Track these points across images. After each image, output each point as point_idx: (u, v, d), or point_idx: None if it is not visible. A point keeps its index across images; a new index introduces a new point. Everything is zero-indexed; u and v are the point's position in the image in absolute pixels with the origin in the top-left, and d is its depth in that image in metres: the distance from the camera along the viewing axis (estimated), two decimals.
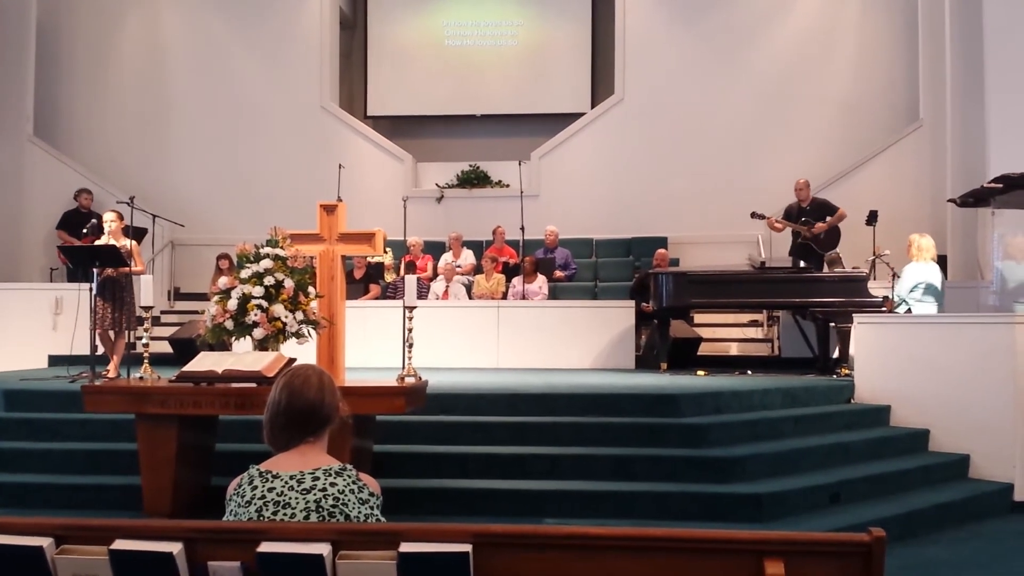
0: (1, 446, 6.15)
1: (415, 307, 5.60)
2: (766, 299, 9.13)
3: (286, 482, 2.32)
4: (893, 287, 8.22)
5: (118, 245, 7.74)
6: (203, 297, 10.86)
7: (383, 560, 2.04)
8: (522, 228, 10.91)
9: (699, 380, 7.92)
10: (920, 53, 11.94)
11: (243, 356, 5.22)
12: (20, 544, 2.09)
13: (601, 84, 14.09)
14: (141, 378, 5.48)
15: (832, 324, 8.52)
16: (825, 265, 9.50)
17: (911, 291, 8.04)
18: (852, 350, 7.90)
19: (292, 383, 2.45)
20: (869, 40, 12.87)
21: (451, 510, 5.44)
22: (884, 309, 8.14)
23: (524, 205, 11.31)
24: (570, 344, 9.61)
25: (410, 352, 5.50)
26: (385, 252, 10.94)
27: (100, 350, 7.81)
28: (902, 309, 8.02)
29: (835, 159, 12.45)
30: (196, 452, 5.40)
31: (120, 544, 2.08)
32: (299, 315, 5.41)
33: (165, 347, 9.67)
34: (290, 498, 2.30)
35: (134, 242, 8.06)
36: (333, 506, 2.30)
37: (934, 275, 8.13)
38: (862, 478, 6.06)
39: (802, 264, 9.68)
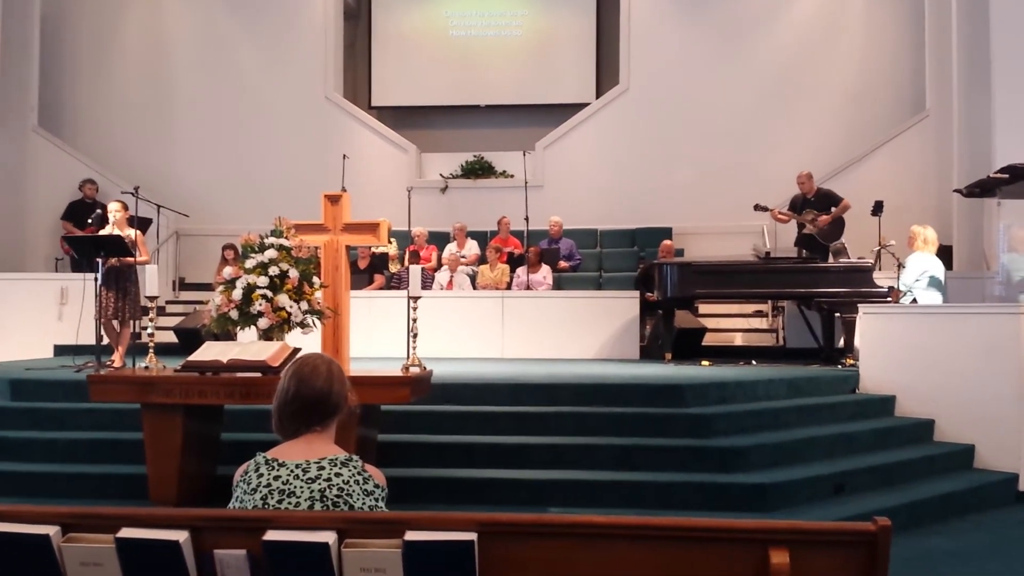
0: (7, 435, 6.18)
1: (419, 297, 5.60)
2: (771, 289, 9.12)
3: (291, 471, 2.33)
4: (899, 277, 8.19)
5: (123, 235, 7.74)
6: (208, 287, 10.90)
7: (388, 548, 2.04)
8: (526, 218, 10.91)
9: (703, 370, 7.91)
10: (926, 42, 11.88)
11: (248, 346, 5.23)
12: (27, 532, 2.10)
13: (606, 74, 14.05)
14: (146, 367, 5.49)
15: (837, 314, 8.50)
16: (830, 255, 9.47)
17: (916, 280, 8.02)
18: (857, 340, 7.89)
19: (301, 372, 2.45)
20: (875, 29, 12.82)
21: (455, 499, 5.45)
22: (890, 299, 8.12)
23: (528, 195, 11.30)
24: (574, 334, 9.61)
25: (414, 342, 5.50)
26: (389, 242, 10.93)
27: (105, 340, 7.82)
28: (907, 299, 8.01)
29: (840, 149, 12.42)
30: (201, 441, 5.42)
31: (126, 532, 2.08)
32: (304, 305, 5.43)
33: (170, 337, 9.69)
34: (295, 487, 2.30)
35: (139, 232, 8.06)
36: (337, 496, 2.30)
37: (937, 266, 8.11)
38: (866, 468, 6.06)
39: (806, 254, 9.66)
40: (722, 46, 13.05)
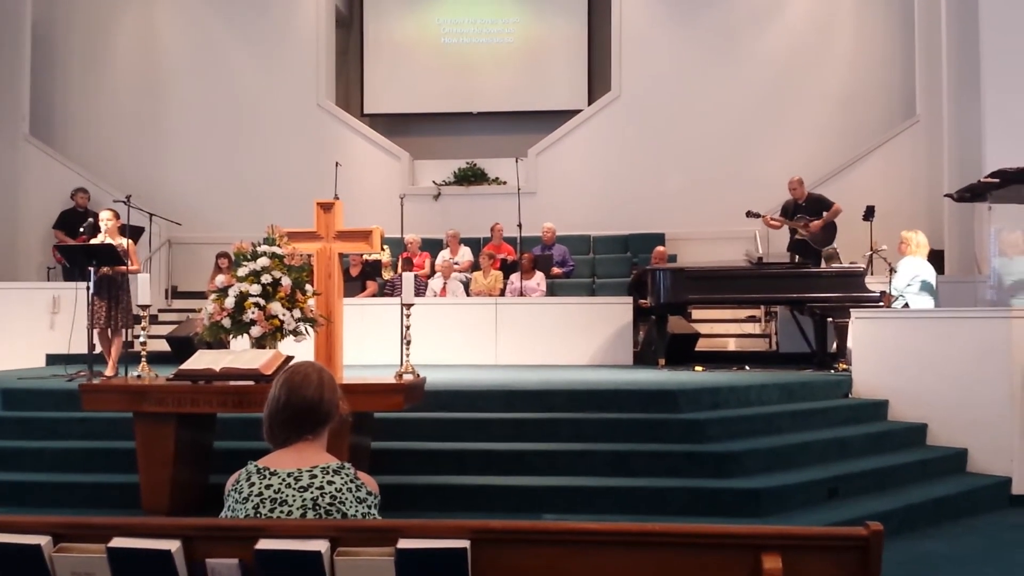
0: None
1: (413, 304, 5.60)
2: (764, 295, 9.13)
3: (283, 479, 2.32)
4: (891, 282, 8.22)
5: (114, 244, 7.73)
6: (201, 295, 10.86)
7: (381, 556, 2.04)
8: (519, 225, 10.92)
9: (697, 376, 7.92)
10: (916, 48, 11.95)
11: (241, 354, 5.22)
12: (18, 542, 2.09)
13: (598, 81, 14.09)
14: (139, 376, 5.48)
15: (829, 319, 8.52)
16: (822, 260, 9.50)
17: (908, 285, 8.04)
18: (849, 345, 7.91)
19: (292, 380, 2.45)
20: (865, 35, 12.89)
21: (449, 506, 5.44)
22: (882, 304, 8.15)
23: (521, 202, 11.32)
24: (568, 340, 9.62)
25: (408, 349, 5.50)
26: (382, 250, 10.93)
27: (98, 349, 7.79)
28: (899, 303, 8.03)
29: (831, 154, 12.47)
30: (194, 450, 5.40)
31: (118, 542, 2.08)
32: (296, 313, 5.42)
33: (163, 345, 9.67)
34: (287, 495, 2.30)
35: (130, 241, 8.05)
36: (330, 504, 2.29)
37: (929, 271, 8.14)
38: (860, 472, 6.07)
39: (799, 259, 9.68)
40: (713, 53, 13.10)
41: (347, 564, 2.04)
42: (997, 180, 7.54)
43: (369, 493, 2.38)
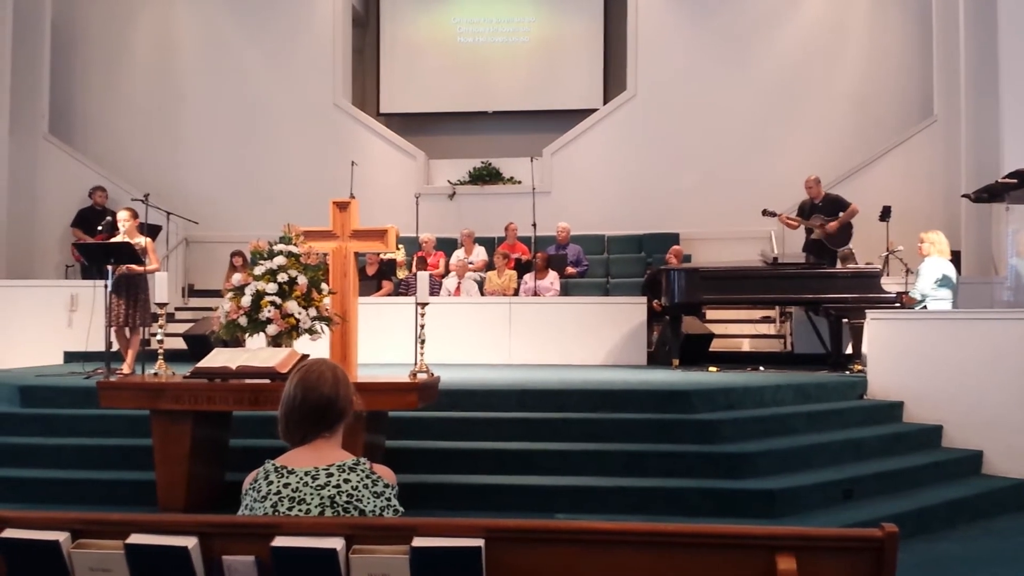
0: (17, 442, 6.20)
1: (427, 303, 5.61)
2: (779, 295, 9.10)
3: (301, 478, 2.34)
4: (916, 283, 8.11)
5: (132, 242, 7.78)
6: (217, 294, 10.91)
7: (396, 554, 2.05)
8: (534, 224, 10.92)
9: (711, 376, 7.90)
10: (934, 47, 11.88)
11: (257, 352, 5.25)
12: (37, 538, 2.11)
13: (613, 80, 14.07)
14: (156, 374, 5.51)
15: (845, 320, 8.48)
16: (838, 261, 9.46)
17: (933, 288, 7.94)
18: (865, 346, 7.87)
19: (307, 378, 2.46)
20: (882, 34, 12.82)
21: (462, 505, 5.45)
22: (898, 304, 8.09)
23: (536, 202, 11.32)
24: (582, 340, 9.61)
25: (422, 348, 5.51)
26: (397, 249, 10.96)
27: (115, 347, 7.85)
28: (922, 305, 7.95)
29: (848, 154, 12.40)
30: (210, 448, 5.43)
31: (136, 538, 2.10)
32: (312, 311, 5.44)
33: (179, 343, 9.72)
34: (305, 494, 2.32)
35: (148, 239, 8.10)
36: (347, 503, 2.31)
37: (951, 270, 8.07)
38: (874, 474, 6.04)
39: (814, 260, 9.64)
40: (729, 52, 13.06)
41: (362, 562, 2.05)
42: (1015, 180, 7.50)
43: (387, 486, 2.39)
